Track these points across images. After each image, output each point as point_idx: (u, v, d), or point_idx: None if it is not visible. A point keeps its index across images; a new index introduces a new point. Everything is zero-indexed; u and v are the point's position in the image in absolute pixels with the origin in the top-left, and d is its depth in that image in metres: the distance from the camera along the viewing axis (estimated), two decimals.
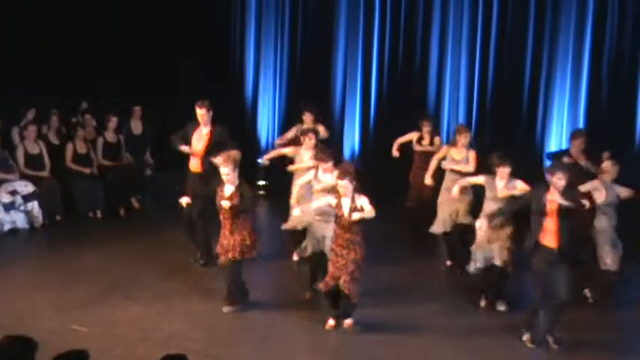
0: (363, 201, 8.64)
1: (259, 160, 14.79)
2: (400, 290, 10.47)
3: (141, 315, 9.19)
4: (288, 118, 15.44)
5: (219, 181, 9.05)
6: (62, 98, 14.47)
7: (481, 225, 9.50)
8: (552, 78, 14.21)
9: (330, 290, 8.94)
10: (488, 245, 9.68)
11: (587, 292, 10.22)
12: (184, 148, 10.60)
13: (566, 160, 10.62)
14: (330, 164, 9.54)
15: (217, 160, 9.23)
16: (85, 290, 9.88)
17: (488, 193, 9.72)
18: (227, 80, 16.69)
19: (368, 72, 15.86)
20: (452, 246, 11.32)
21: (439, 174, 11.32)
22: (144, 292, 9.95)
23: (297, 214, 9.93)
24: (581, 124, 13.91)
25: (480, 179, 9.85)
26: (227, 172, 8.89)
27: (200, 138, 10.64)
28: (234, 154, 9.20)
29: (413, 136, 12.38)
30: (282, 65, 16.52)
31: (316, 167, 9.86)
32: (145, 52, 15.92)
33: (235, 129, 15.20)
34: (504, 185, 9.59)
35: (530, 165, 11.96)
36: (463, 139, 11.06)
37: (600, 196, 9.78)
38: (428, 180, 11.48)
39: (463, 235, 10.99)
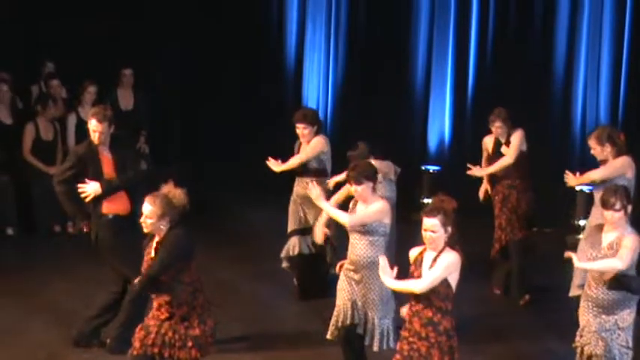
0: (444, 260, 6.77)
1: None
2: None
3: None
4: (345, 94, 14.71)
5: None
6: (15, 57, 13.92)
7: None
8: None
9: None
10: None
11: None
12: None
13: None
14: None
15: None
16: (57, 336, 9.02)
17: None
18: (259, 32, 15.24)
19: (464, 44, 14.08)
20: None
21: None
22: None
23: None
24: None
25: None
26: (149, 214, 7.30)
27: (108, 162, 9.34)
28: (176, 192, 7.28)
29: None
30: (340, 21, 14.92)
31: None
32: None
33: (275, 104, 14.51)
34: None
35: None
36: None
37: None
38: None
39: None
